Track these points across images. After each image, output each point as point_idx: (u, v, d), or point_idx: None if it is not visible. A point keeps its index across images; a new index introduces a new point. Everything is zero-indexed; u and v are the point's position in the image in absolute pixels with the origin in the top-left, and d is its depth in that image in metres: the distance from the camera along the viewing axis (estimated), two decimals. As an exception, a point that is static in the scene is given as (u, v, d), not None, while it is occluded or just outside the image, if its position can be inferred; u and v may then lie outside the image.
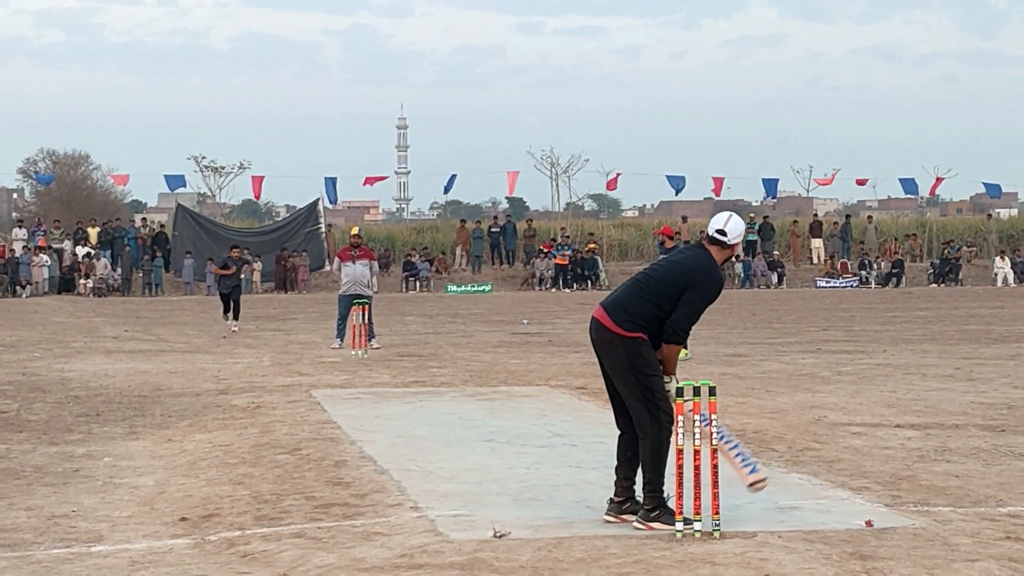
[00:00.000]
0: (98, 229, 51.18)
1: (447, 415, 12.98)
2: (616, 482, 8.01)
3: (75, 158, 78.60)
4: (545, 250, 51.90)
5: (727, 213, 8.25)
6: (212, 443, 11.50)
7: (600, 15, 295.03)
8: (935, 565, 6.73)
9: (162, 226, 53.93)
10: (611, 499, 7.99)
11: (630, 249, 56.55)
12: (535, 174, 62.44)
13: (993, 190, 60.07)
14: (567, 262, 50.87)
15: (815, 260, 55.45)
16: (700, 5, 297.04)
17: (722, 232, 8.02)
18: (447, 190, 60.48)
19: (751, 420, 12.47)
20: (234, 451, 10.99)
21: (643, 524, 7.68)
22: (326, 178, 55.76)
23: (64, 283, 47.92)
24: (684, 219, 55.36)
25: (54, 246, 49.20)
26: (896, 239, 56.96)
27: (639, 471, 7.90)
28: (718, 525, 7.41)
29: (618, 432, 8.12)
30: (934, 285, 51.52)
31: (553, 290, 49.89)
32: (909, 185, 59.12)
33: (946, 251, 54.18)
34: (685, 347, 8.87)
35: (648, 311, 7.85)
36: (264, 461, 10.39)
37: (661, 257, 9.41)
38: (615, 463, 8.08)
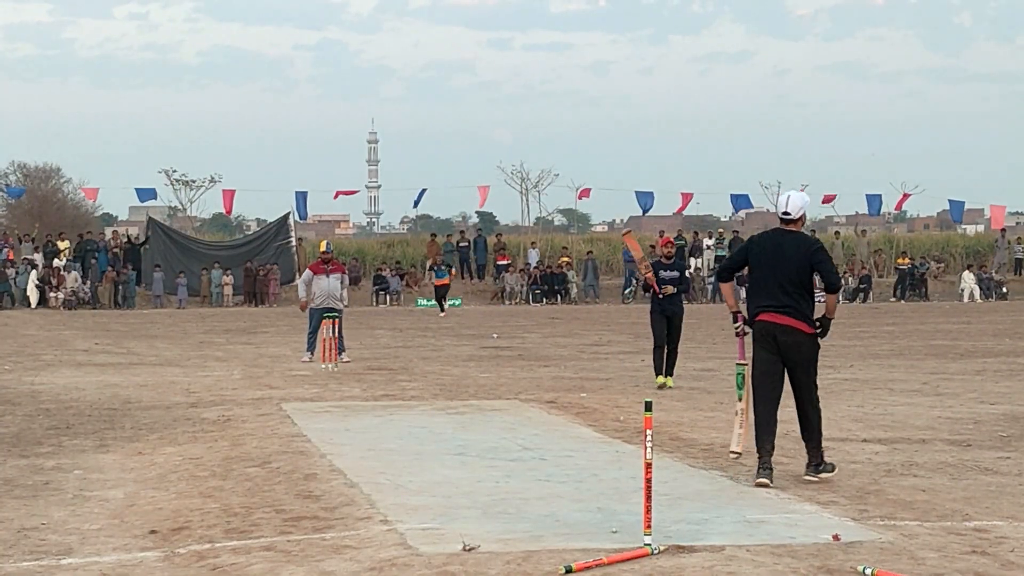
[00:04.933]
0: (68, 242, 50.94)
1: (417, 429, 12.99)
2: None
3: (46, 171, 78.25)
4: (434, 266, 48.30)
5: (785, 194, 10.06)
6: (182, 456, 11.49)
7: (569, 31, 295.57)
8: (901, 578, 6.79)
9: (132, 239, 53.66)
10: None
11: (600, 264, 56.57)
12: (505, 189, 62.36)
13: (956, 208, 60.27)
14: (447, 282, 45.82)
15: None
16: (668, 21, 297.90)
17: (786, 213, 9.94)
18: (416, 204, 60.55)
19: (719, 434, 12.52)
20: (204, 464, 10.99)
21: (816, 477, 9.81)
22: (296, 192, 55.65)
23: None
24: (661, 234, 55.48)
25: (26, 257, 48.97)
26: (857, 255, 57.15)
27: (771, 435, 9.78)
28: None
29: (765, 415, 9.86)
30: (901, 301, 51.75)
31: (523, 304, 49.92)
32: (875, 201, 59.28)
33: (913, 266, 54.40)
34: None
35: (810, 304, 9.88)
36: (234, 474, 10.39)
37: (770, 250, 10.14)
38: (766, 435, 9.74)
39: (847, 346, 25.74)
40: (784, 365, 9.89)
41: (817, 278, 10.02)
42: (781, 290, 9.80)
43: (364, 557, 7.29)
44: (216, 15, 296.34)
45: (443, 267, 46.56)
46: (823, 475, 9.81)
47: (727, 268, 10.50)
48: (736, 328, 10.29)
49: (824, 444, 11.71)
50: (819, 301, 10.02)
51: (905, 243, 61.20)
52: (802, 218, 10.06)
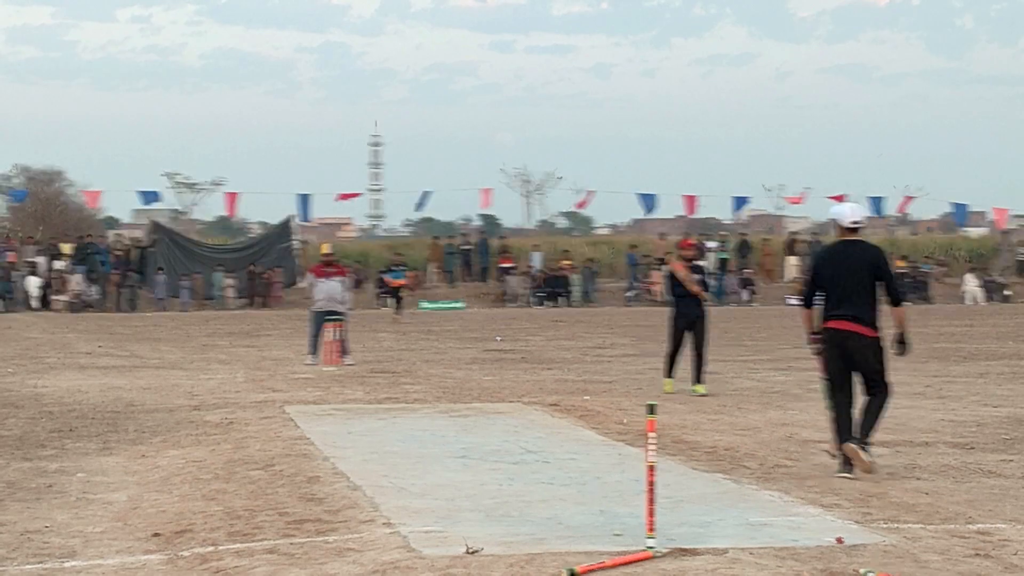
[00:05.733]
0: (72, 245, 50.93)
1: (420, 431, 13.00)
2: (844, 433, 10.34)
3: (49, 174, 78.20)
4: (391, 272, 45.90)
5: (847, 206, 10.78)
6: (185, 459, 11.49)
7: (571, 33, 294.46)
8: (904, 581, 6.78)
9: (138, 242, 53.64)
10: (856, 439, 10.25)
11: (603, 267, 56.53)
12: (508, 192, 62.44)
13: (960, 210, 60.19)
14: (405, 283, 44.06)
15: (786, 277, 55.54)
16: (670, 24, 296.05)
17: (856, 222, 10.62)
18: (420, 207, 60.52)
19: (723, 437, 12.53)
20: (207, 467, 10.99)
21: (860, 447, 10.08)
22: (299, 195, 55.61)
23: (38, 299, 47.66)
24: (662, 236, 55.54)
25: (28, 260, 48.96)
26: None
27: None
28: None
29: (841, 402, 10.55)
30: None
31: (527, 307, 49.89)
32: (878, 204, 59.21)
33: (914, 267, 54.35)
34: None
35: (875, 310, 10.42)
36: (237, 477, 10.39)
37: (828, 258, 10.81)
38: (845, 434, 10.32)
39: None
40: (853, 369, 10.49)
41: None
42: (849, 298, 10.40)
43: (367, 560, 7.29)
44: (219, 18, 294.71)
45: (399, 268, 45.03)
46: (863, 451, 10.13)
47: (808, 295, 10.88)
48: (812, 349, 10.95)
49: (825, 448, 11.77)
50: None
51: (908, 246, 61.19)
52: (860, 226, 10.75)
